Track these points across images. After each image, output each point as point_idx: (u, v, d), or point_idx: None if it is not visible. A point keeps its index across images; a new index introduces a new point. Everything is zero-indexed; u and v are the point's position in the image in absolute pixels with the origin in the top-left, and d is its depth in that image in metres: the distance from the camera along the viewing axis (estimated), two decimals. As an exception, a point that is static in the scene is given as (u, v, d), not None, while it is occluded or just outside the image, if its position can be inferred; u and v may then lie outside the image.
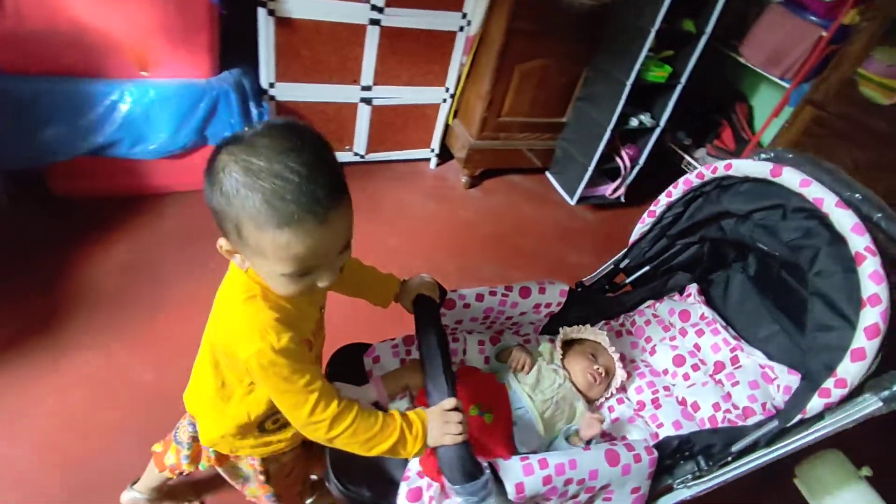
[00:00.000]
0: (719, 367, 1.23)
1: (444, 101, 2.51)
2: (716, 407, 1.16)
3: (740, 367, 1.24)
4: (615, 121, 2.36)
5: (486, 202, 2.65)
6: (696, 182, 1.13)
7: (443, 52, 2.32)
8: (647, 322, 1.37)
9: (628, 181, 2.69)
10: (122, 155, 1.83)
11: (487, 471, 0.80)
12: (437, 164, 2.77)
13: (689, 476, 0.97)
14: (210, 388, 0.85)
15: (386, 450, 0.77)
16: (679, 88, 2.43)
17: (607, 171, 2.69)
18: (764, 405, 1.15)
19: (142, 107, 1.77)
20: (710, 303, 1.37)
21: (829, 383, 0.82)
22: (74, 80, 1.70)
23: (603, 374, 1.20)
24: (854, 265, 0.82)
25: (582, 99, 2.56)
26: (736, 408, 1.17)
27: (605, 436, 1.18)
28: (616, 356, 1.24)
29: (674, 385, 1.26)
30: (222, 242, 0.68)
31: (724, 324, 1.30)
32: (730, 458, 0.94)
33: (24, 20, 1.56)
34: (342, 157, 2.48)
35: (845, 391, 0.81)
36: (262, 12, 1.88)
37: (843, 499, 1.12)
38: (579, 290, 1.33)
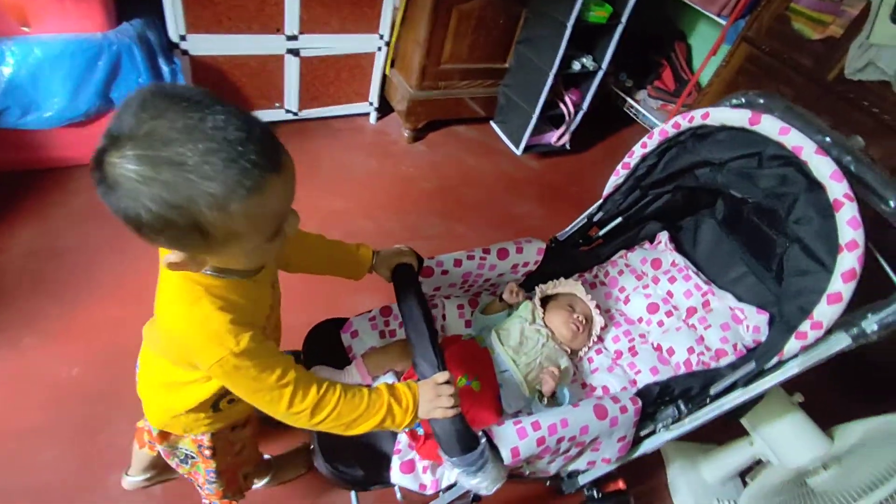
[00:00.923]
0: (691, 311, 1.28)
1: (379, 49, 2.35)
2: (690, 350, 1.20)
3: (711, 310, 1.29)
4: (557, 65, 2.29)
5: (430, 156, 2.55)
6: (671, 132, 1.11)
7: (372, -5, 2.14)
8: (620, 272, 1.40)
9: (572, 128, 2.66)
10: (10, 126, 1.61)
11: (483, 440, 0.81)
12: (378, 119, 2.63)
13: (671, 419, 1.03)
14: (160, 378, 0.81)
15: (374, 426, 0.75)
16: (620, 29, 2.37)
17: (551, 117, 2.64)
18: (735, 346, 1.21)
19: (27, 69, 1.54)
20: (679, 249, 1.41)
21: (805, 326, 0.85)
22: (-64, 38, 1.45)
23: (583, 322, 1.22)
24: (832, 211, 0.84)
25: (522, 42, 2.46)
26: (709, 350, 1.22)
27: (586, 386, 1.23)
28: (592, 304, 1.26)
29: (649, 332, 1.31)
30: (172, 258, 0.58)
31: (695, 269, 1.34)
32: (708, 401, 0.99)
33: None
34: (273, 115, 2.30)
35: (821, 333, 0.84)
36: (160, -48, 1.65)
37: (778, 427, 1.20)
38: (553, 245, 1.33)
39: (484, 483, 0.82)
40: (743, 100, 1.04)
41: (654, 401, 1.04)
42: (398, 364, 1.06)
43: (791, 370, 0.89)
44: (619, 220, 1.34)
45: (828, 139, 0.88)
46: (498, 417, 1.04)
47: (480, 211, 2.33)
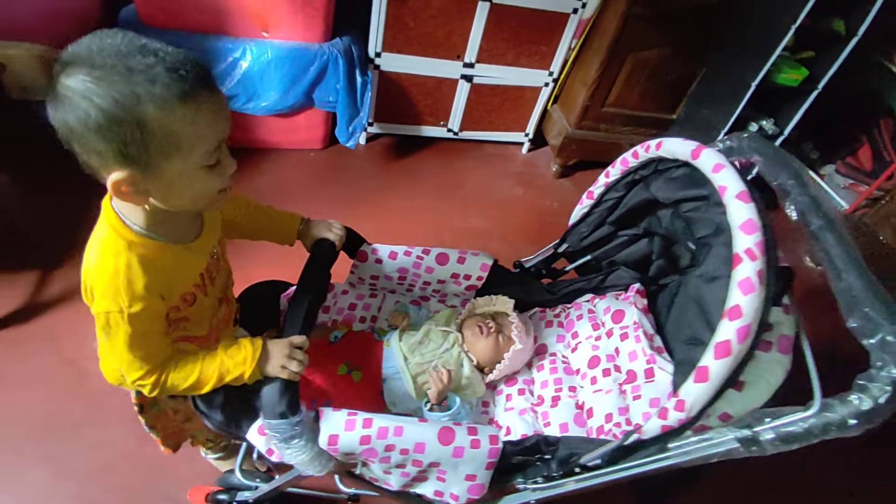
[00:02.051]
0: (632, 376, 1.09)
1: (546, 84, 2.43)
2: (608, 418, 1.04)
3: (653, 381, 1.08)
4: (731, 123, 2.17)
5: (575, 193, 2.53)
6: (632, 162, 0.99)
7: (552, 35, 2.24)
8: (580, 317, 1.25)
9: (735, 191, 2.47)
10: (236, 109, 1.97)
11: (302, 415, 0.78)
12: (529, 150, 2.71)
13: (541, 479, 0.89)
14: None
15: (215, 384, 0.77)
16: (814, 95, 2.17)
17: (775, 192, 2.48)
18: None
19: (259, 65, 1.89)
20: (653, 308, 1.22)
21: (669, 403, 0.71)
22: (204, 36, 1.84)
23: (492, 329, 1.12)
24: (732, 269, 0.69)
25: (697, 96, 2.37)
26: (629, 423, 1.04)
27: (493, 422, 1.13)
28: (516, 323, 1.14)
29: (581, 387, 1.15)
30: (117, 176, 0.61)
31: (651, 331, 1.13)
32: (577, 470, 0.85)
33: (167, -23, 1.70)
34: (435, 131, 2.50)
35: (683, 415, 0.69)
36: (378, -19, 1.91)
37: None
38: (517, 270, 1.26)
39: (298, 458, 0.79)
40: (732, 139, 0.88)
41: (530, 452, 0.90)
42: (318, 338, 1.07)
43: (661, 461, 0.73)
44: (588, 257, 1.21)
45: (805, 199, 0.71)
46: (372, 411, 1.00)
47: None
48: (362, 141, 2.44)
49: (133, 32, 0.60)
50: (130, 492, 1.26)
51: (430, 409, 1.02)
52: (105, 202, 0.70)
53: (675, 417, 0.70)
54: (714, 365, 0.65)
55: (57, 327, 1.49)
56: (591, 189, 1.12)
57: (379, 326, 1.21)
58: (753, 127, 2.28)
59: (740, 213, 0.70)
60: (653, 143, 0.93)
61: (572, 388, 1.14)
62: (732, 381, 0.66)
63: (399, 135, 2.49)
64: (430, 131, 2.49)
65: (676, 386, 0.75)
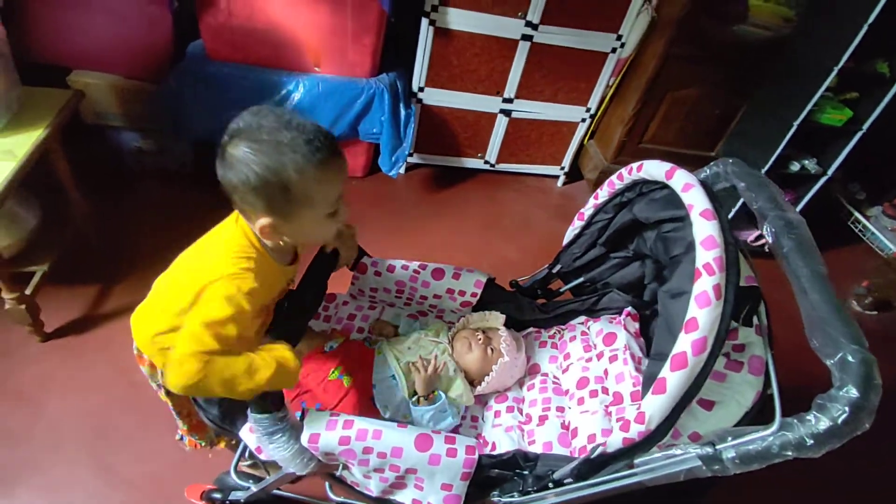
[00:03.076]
0: (618, 398, 1.08)
1: (583, 120, 2.48)
2: (591, 438, 1.03)
3: (638, 404, 1.04)
4: (772, 163, 2.15)
5: (610, 228, 2.56)
6: (618, 185, 1.00)
7: (590, 73, 2.30)
8: (573, 338, 1.25)
9: (777, 230, 2.42)
10: (286, 137, 2.09)
11: (285, 411, 0.82)
12: (565, 183, 2.74)
13: (516, 494, 0.88)
14: (177, 305, 0.86)
15: (261, 385, 0.79)
16: (858, 136, 2.13)
17: (753, 216, 2.45)
18: None
19: (311, 97, 2.01)
20: (646, 332, 1.20)
21: (630, 413, 0.70)
22: (262, 69, 1.98)
23: (480, 341, 1.14)
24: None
25: (737, 134, 2.37)
26: None
27: (480, 437, 1.12)
28: (504, 337, 1.16)
29: (569, 408, 1.14)
30: (264, 222, 0.78)
31: (639, 355, 1.13)
32: (550, 485, 0.83)
33: (232, 16, 1.86)
34: (473, 163, 2.57)
35: (643, 428, 0.68)
36: (425, 22, 2.03)
37: None
38: (514, 289, 1.28)
39: (280, 453, 0.83)
40: (717, 163, 0.88)
41: (505, 465, 0.90)
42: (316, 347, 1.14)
43: (627, 479, 0.72)
44: (582, 278, 1.21)
45: (779, 219, 0.71)
46: (362, 414, 1.01)
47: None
48: (402, 171, 2.53)
49: (280, 108, 0.79)
50: (177, 502, 1.30)
51: (417, 403, 1.05)
52: (240, 221, 0.85)
53: (635, 430, 0.70)
54: (671, 377, 0.66)
55: (113, 339, 1.59)
56: (581, 210, 1.14)
57: (370, 336, 1.24)
58: (795, 166, 2.25)
59: (703, 229, 0.72)
60: (635, 165, 0.96)
61: (560, 409, 1.14)
62: (692, 395, 0.67)
63: (438, 165, 2.58)
64: (468, 163, 2.57)
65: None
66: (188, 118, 2.00)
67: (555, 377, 1.22)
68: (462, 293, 1.21)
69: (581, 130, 2.52)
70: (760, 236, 2.44)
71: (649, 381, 0.70)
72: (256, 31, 1.90)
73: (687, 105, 2.28)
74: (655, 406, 0.67)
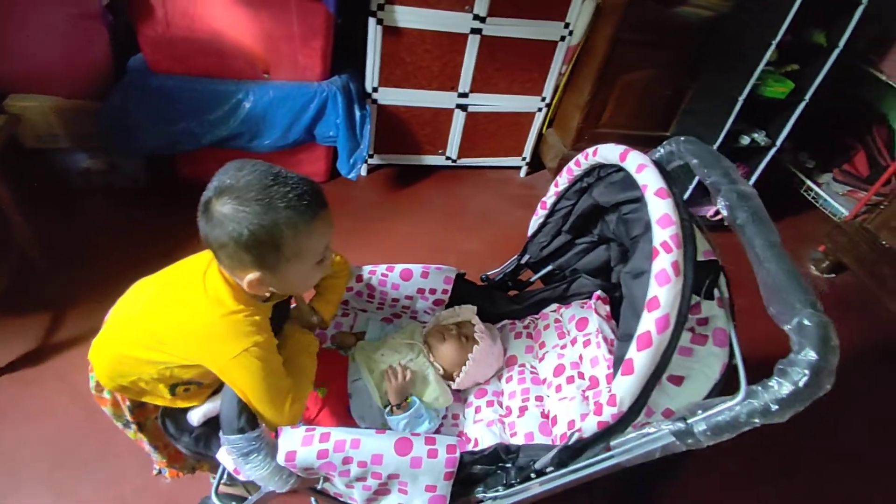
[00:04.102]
0: (594, 382, 1.09)
1: (540, 109, 2.50)
2: (570, 424, 1.03)
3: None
4: (723, 138, 2.21)
5: (575, 214, 2.59)
6: (576, 171, 1.01)
7: (542, 62, 2.32)
8: (547, 327, 1.25)
9: (733, 203, 2.49)
10: (240, 147, 2.03)
11: (259, 430, 0.81)
12: (527, 174, 2.76)
13: (501, 487, 0.88)
14: (139, 351, 0.85)
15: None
16: (801, 106, 2.21)
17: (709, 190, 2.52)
18: None
19: (262, 105, 1.96)
20: (615, 312, 1.21)
21: (602, 397, 0.71)
22: (209, 79, 1.92)
23: (453, 332, 1.14)
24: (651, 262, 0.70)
25: (688, 113, 2.43)
26: None
27: (462, 435, 1.12)
28: (478, 325, 1.15)
29: (547, 396, 1.14)
30: (251, 277, 0.77)
31: (611, 337, 1.14)
32: (532, 476, 0.84)
33: (171, 27, 1.79)
34: (434, 160, 2.56)
35: (615, 410, 0.69)
36: (372, 22, 2.00)
37: None
38: (484, 283, 1.28)
39: (257, 473, 0.81)
40: (670, 142, 0.89)
41: (486, 460, 0.90)
42: None
43: (606, 461, 0.72)
44: (550, 266, 1.23)
45: (733, 192, 0.73)
46: (339, 425, 1.02)
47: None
48: (364, 172, 2.50)
49: (264, 163, 0.76)
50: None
51: (391, 413, 1.03)
52: (213, 271, 0.82)
53: (608, 413, 0.70)
54: (637, 357, 0.66)
55: (71, 367, 1.52)
56: (544, 199, 1.14)
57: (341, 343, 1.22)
58: (745, 140, 2.32)
59: (657, 208, 0.72)
60: (591, 150, 0.96)
61: (539, 398, 1.14)
62: (659, 372, 0.67)
63: (399, 165, 2.56)
64: (429, 160, 2.55)
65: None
66: (137, 134, 1.92)
67: (532, 366, 1.22)
68: (433, 291, 1.20)
69: (538, 120, 2.54)
70: (718, 211, 2.51)
71: (618, 362, 0.70)
72: (199, 41, 1.84)
73: (638, 88, 2.32)
74: (625, 387, 0.68)
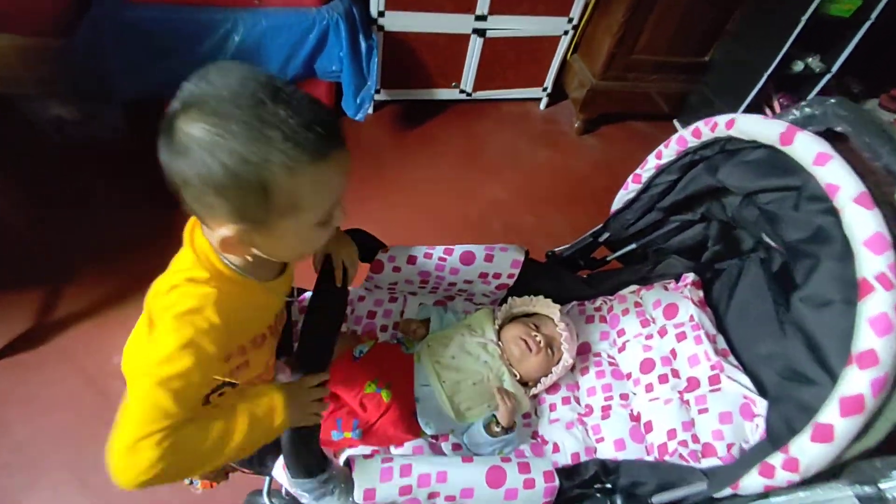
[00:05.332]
0: (693, 384, 0.97)
1: (566, 32, 2.21)
2: (671, 434, 0.92)
3: (719, 390, 0.95)
4: (775, 65, 1.97)
5: (603, 151, 2.39)
6: (692, 142, 0.85)
7: (572, -25, 2.01)
8: (626, 311, 1.12)
9: (774, 137, 2.30)
10: (233, 87, 1.79)
11: (331, 469, 0.70)
12: (548, 105, 2.52)
13: None
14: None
15: (241, 440, 0.59)
16: (866, 26, 1.95)
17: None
18: (730, 447, 0.87)
19: (254, 36, 1.69)
20: (709, 299, 1.08)
21: (775, 459, 0.60)
22: (191, 8, 1.64)
23: (540, 344, 1.01)
24: (856, 297, 0.55)
25: (733, 36, 2.15)
26: (696, 441, 0.91)
27: (537, 436, 1.02)
28: (565, 334, 1.02)
29: (634, 394, 1.03)
30: (227, 232, 0.55)
31: (713, 332, 1.01)
32: None
33: (141, -59, 1.50)
34: (447, 94, 2.31)
35: (796, 476, 0.59)
36: (377, -71, 1.69)
37: None
38: (549, 261, 1.14)
39: None
40: (815, 107, 0.71)
41: (588, 482, 0.80)
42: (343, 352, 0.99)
43: None
44: (633, 245, 1.08)
45: None
46: (409, 436, 0.93)
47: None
48: (370, 111, 2.26)
49: (261, 72, 0.53)
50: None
51: (489, 431, 0.93)
52: (195, 231, 0.62)
53: (783, 478, 0.59)
54: (840, 424, 0.54)
55: (74, 347, 1.40)
56: (637, 172, 0.98)
57: (397, 334, 1.11)
58: (799, 66, 2.07)
59: (863, 223, 0.56)
60: (721, 119, 0.78)
61: (624, 396, 1.03)
62: (859, 438, 0.55)
63: (409, 100, 2.31)
64: (442, 94, 2.30)
65: (774, 430, 0.64)
66: (111, 76, 1.67)
67: (610, 357, 1.10)
68: (497, 276, 1.05)
69: (563, 45, 2.26)
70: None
71: (789, 408, 0.60)
72: (174, -41, 1.55)
73: (680, 7, 2.03)
74: (815, 455, 0.56)
